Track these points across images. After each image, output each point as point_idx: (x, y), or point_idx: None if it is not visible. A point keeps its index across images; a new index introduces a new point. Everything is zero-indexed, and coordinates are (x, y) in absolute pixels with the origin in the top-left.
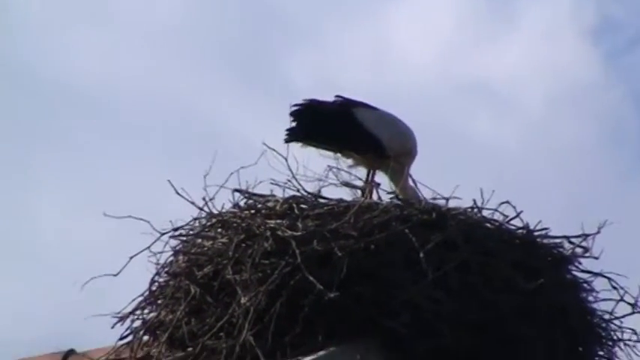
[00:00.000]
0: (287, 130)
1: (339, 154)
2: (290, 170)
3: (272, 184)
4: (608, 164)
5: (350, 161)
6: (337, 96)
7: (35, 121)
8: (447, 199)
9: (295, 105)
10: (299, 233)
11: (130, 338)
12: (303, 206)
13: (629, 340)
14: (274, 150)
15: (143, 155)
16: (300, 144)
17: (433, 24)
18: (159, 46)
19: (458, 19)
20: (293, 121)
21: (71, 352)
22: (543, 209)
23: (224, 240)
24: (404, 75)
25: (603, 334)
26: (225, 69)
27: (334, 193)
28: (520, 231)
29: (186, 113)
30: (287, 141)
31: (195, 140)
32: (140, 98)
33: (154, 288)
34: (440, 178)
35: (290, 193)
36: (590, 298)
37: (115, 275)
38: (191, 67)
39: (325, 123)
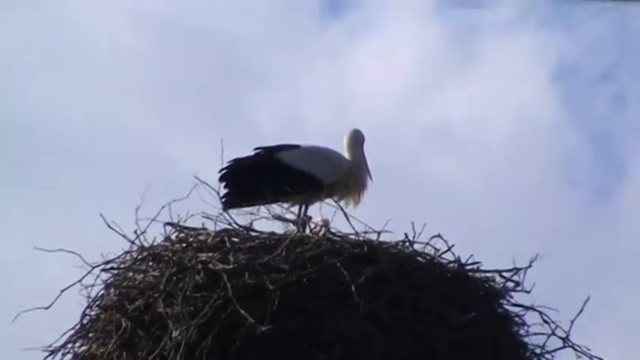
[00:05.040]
0: (221, 197)
1: (277, 204)
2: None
3: (204, 217)
4: (559, 203)
5: (287, 204)
6: (257, 148)
7: None
8: (379, 233)
9: (221, 170)
10: (230, 266)
11: None
12: (234, 239)
13: None
14: (206, 183)
15: (74, 187)
16: (238, 208)
17: (395, 65)
18: (112, 80)
19: (419, 61)
20: (225, 186)
21: None
22: (489, 245)
23: (155, 273)
24: (367, 116)
25: None
26: (181, 106)
27: (266, 226)
28: (451, 265)
29: (122, 146)
30: (225, 209)
31: (128, 173)
32: (77, 133)
33: (85, 321)
34: (397, 217)
35: (222, 226)
36: (522, 332)
37: (46, 308)
38: (137, 100)
39: (254, 179)
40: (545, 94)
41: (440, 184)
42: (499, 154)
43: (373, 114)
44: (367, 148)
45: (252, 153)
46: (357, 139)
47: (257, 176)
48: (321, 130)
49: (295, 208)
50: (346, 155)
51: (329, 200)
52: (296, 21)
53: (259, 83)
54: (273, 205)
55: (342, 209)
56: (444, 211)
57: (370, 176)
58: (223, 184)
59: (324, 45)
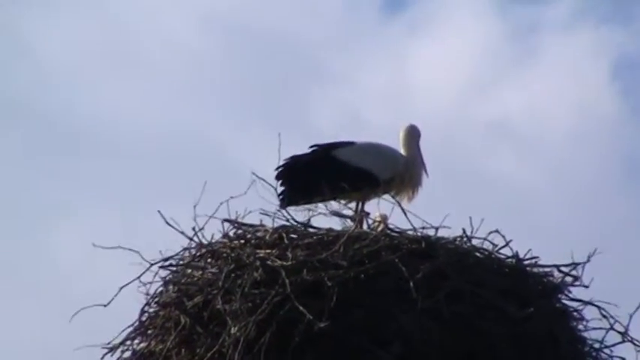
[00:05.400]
0: (279, 195)
1: (334, 201)
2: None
3: (262, 213)
4: (619, 198)
5: (344, 201)
6: (312, 145)
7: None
8: (437, 229)
9: (277, 167)
10: (289, 263)
11: None
12: (292, 236)
13: None
14: (263, 179)
15: (133, 184)
16: (295, 206)
17: (455, 61)
18: (174, 80)
19: (479, 57)
20: (280, 184)
21: None
22: (547, 240)
23: (214, 270)
24: (426, 112)
25: None
26: (240, 103)
27: (324, 222)
28: (509, 260)
29: (180, 143)
30: (283, 207)
31: (186, 170)
32: (139, 131)
33: (144, 318)
34: (456, 212)
35: (279, 222)
36: (580, 327)
37: (105, 306)
38: (199, 99)
39: (311, 176)
40: (605, 89)
41: (499, 180)
42: (559, 150)
43: (433, 110)
44: (426, 144)
45: (308, 150)
46: (412, 135)
47: (314, 174)
48: (380, 127)
49: (352, 205)
50: (402, 151)
51: (386, 196)
52: (356, 18)
53: (319, 80)
54: (331, 202)
55: (399, 205)
56: (502, 206)
57: (426, 171)
58: (280, 182)
59: (383, 42)
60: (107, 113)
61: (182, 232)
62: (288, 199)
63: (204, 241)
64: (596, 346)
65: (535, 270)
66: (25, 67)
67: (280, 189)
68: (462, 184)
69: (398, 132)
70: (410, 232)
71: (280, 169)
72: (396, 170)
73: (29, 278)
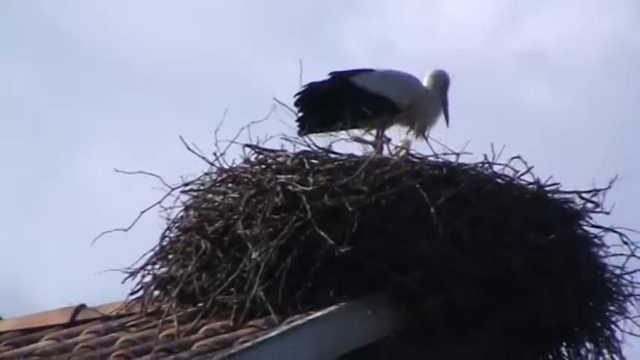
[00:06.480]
0: (297, 120)
1: (355, 129)
2: None
3: (283, 139)
4: None
5: (363, 129)
6: (331, 73)
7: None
8: (458, 155)
9: (297, 94)
10: (310, 188)
11: (140, 293)
12: (313, 161)
13: None
14: (284, 105)
15: (154, 110)
16: (314, 134)
17: None
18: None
19: None
20: (299, 110)
21: (82, 307)
22: (570, 168)
23: (235, 195)
24: (457, 41)
25: (614, 289)
26: (266, 31)
27: (345, 148)
28: (531, 186)
29: (201, 69)
30: (301, 134)
31: (207, 95)
32: (157, 58)
33: (164, 243)
34: (478, 139)
35: (301, 148)
36: (601, 254)
37: (125, 230)
38: (223, 25)
39: (330, 102)
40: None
41: (527, 110)
42: (590, 79)
43: (463, 40)
44: (456, 74)
45: (327, 77)
46: (438, 81)
47: (331, 100)
48: (410, 56)
49: (374, 132)
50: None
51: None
52: None
53: (348, 7)
54: (351, 130)
55: (419, 133)
56: (530, 136)
57: (447, 120)
58: (298, 108)
59: None
60: (127, 38)
61: (203, 157)
62: (307, 125)
63: (226, 166)
64: (617, 272)
65: (556, 196)
66: None
67: (299, 115)
68: (487, 113)
69: (429, 63)
70: (431, 158)
71: (298, 96)
72: (415, 98)
73: (52, 201)
